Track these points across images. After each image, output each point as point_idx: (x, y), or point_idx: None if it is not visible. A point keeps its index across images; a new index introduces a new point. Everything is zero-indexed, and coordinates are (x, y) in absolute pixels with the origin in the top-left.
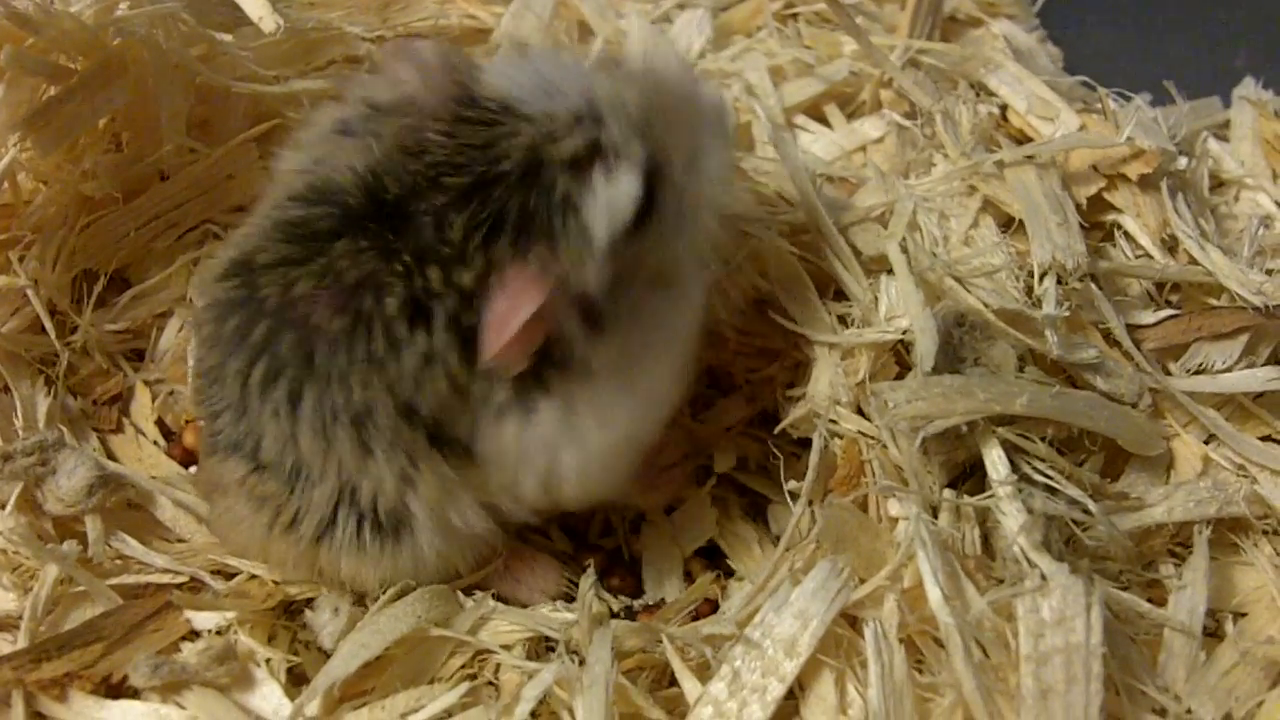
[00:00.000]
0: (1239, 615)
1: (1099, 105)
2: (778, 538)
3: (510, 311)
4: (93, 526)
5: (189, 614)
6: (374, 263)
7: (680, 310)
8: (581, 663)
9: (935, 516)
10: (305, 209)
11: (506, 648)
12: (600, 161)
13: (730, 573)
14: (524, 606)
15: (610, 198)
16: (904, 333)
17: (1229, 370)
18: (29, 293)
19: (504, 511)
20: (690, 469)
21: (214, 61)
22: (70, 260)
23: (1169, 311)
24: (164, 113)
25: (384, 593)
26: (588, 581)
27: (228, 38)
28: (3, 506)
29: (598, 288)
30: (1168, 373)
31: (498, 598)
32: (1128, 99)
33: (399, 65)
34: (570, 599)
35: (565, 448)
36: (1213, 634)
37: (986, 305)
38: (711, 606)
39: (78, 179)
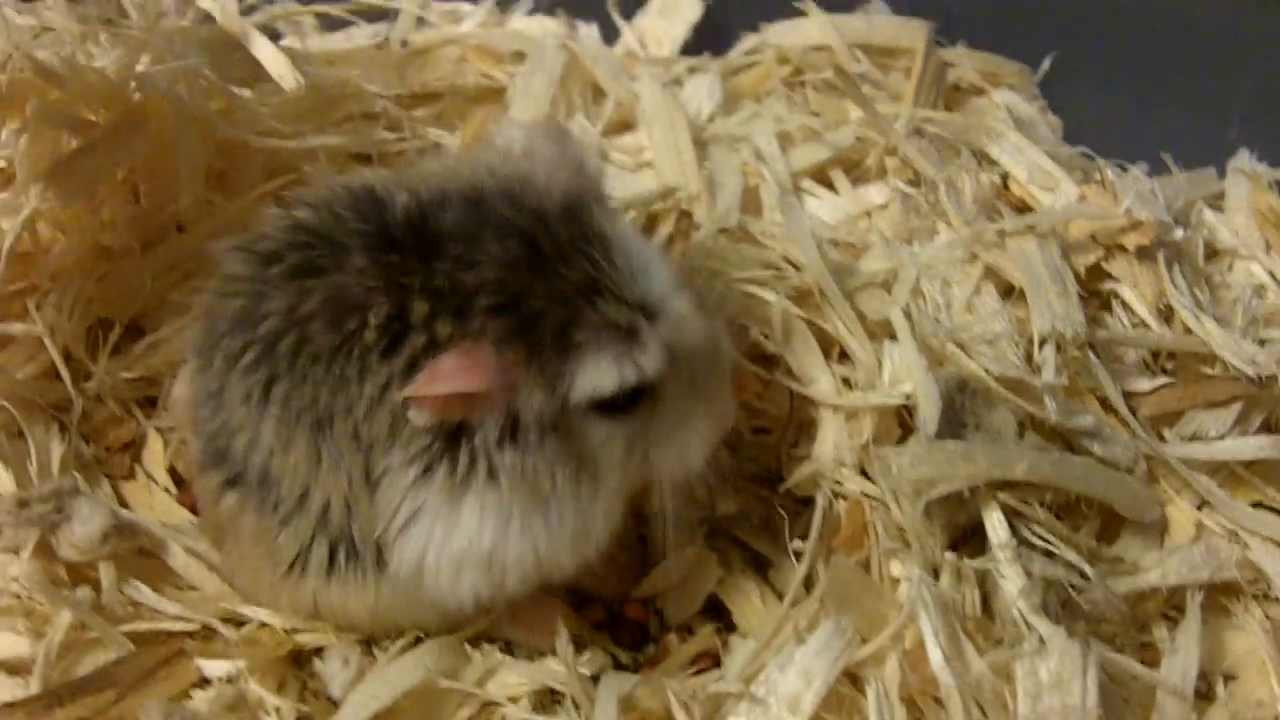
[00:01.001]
0: (1230, 678)
1: (1098, 175)
2: (779, 593)
3: (458, 372)
4: (106, 573)
5: (200, 662)
6: (379, 281)
7: (582, 502)
8: (587, 716)
9: (936, 578)
10: (341, 215)
11: (514, 700)
12: (625, 344)
13: (731, 627)
14: (536, 650)
15: (603, 374)
16: (907, 397)
17: (1222, 438)
18: (45, 340)
19: None
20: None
21: (233, 116)
22: (87, 309)
23: (1164, 380)
24: (183, 166)
25: (393, 643)
26: (568, 647)
27: (247, 93)
28: (17, 553)
29: (532, 423)
30: (1162, 439)
31: (507, 645)
32: (1125, 169)
33: (549, 144)
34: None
35: (439, 529)
36: (1204, 696)
37: (988, 372)
38: (713, 660)
39: (96, 229)
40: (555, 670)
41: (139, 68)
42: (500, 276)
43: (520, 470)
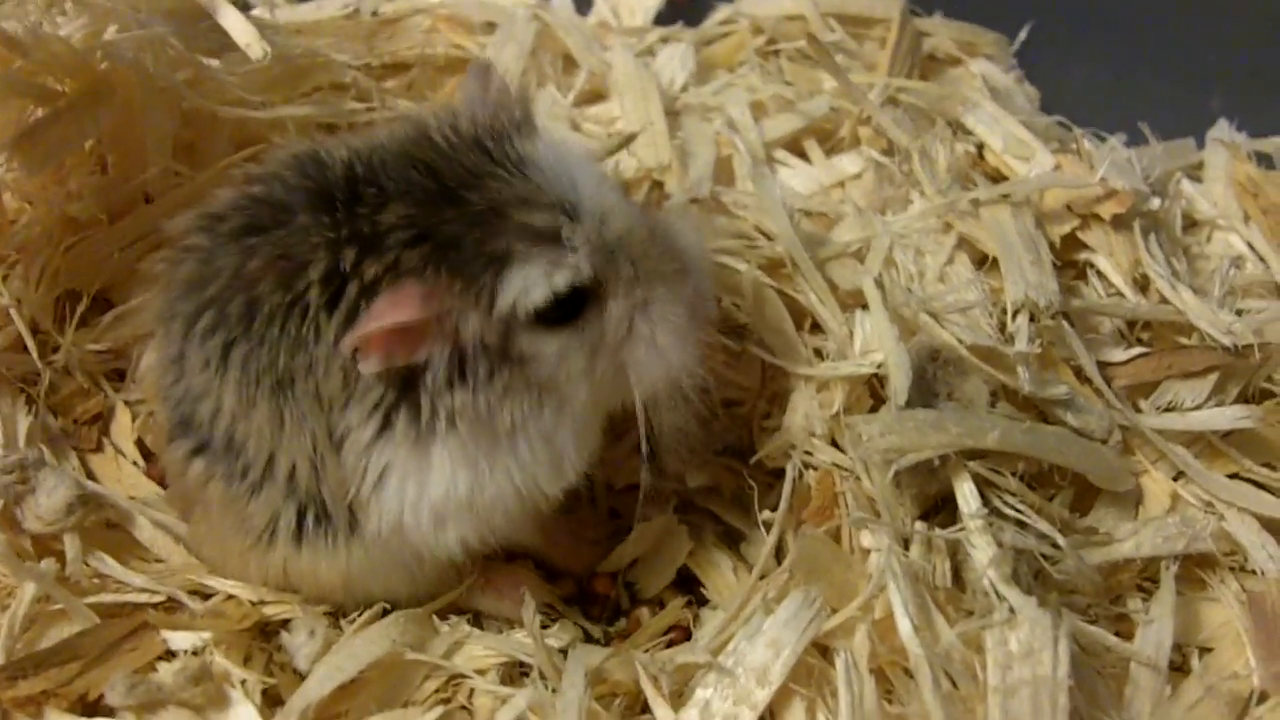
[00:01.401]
0: (1205, 650)
1: (1075, 145)
2: (751, 566)
3: (388, 308)
4: (71, 545)
5: (165, 634)
6: (320, 238)
7: (546, 427)
8: (555, 689)
9: (907, 549)
10: (286, 179)
11: (481, 672)
12: (549, 249)
13: (703, 600)
14: (505, 620)
15: (530, 281)
16: (878, 367)
17: (1198, 408)
18: (12, 312)
19: None
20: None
21: (200, 86)
22: (54, 280)
23: (1140, 350)
24: (150, 136)
25: (359, 615)
26: (534, 619)
27: (215, 63)
28: None
29: (476, 347)
30: (1138, 410)
31: (477, 615)
32: (1103, 139)
33: (474, 82)
34: (551, 618)
35: (410, 483)
36: (1179, 668)
37: (960, 341)
38: (684, 634)
39: (63, 200)
40: (523, 643)
41: (105, 37)
42: (409, 211)
43: (478, 409)
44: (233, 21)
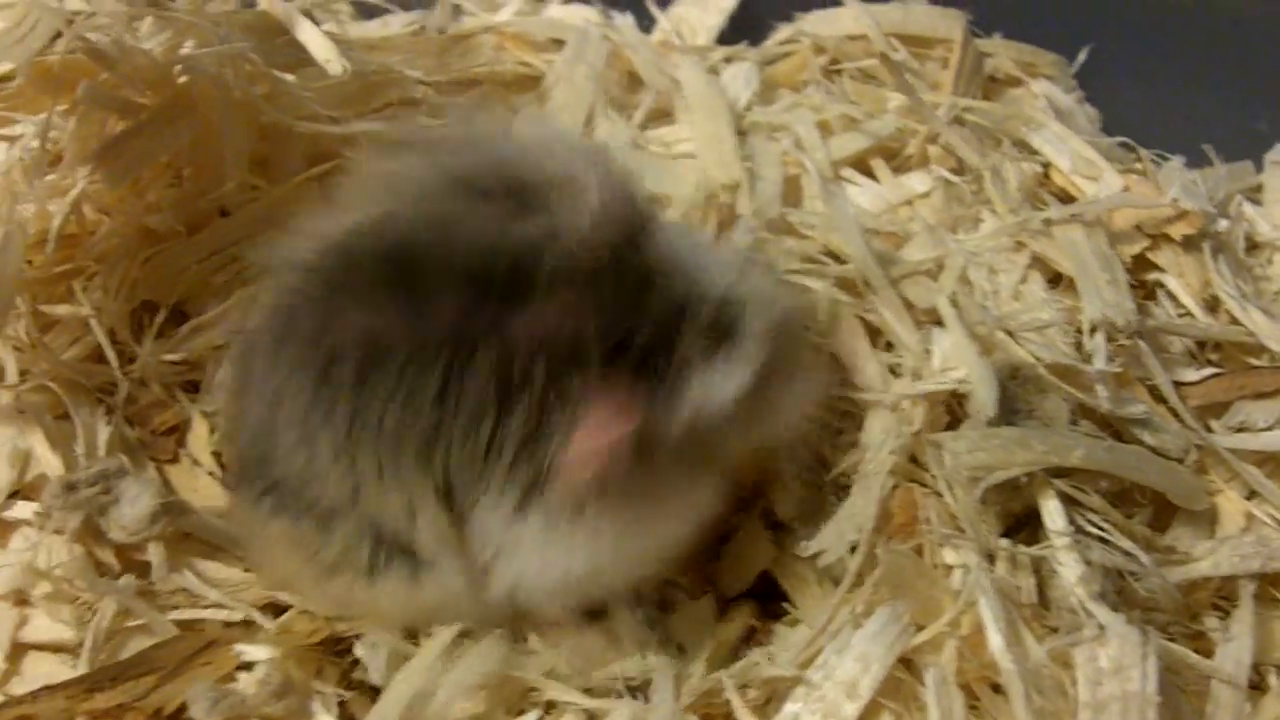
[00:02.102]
0: None
1: (1137, 165)
2: (831, 579)
3: (601, 431)
4: (155, 554)
5: (240, 647)
6: (478, 324)
7: (698, 488)
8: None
9: (992, 565)
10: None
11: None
12: (728, 346)
13: (775, 615)
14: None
15: (721, 381)
16: (959, 383)
17: (1270, 429)
18: (92, 322)
19: None
20: None
21: (277, 101)
22: (132, 291)
23: (1211, 370)
24: (228, 150)
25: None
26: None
27: (290, 78)
28: (60, 534)
29: (658, 444)
30: (1210, 430)
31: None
32: (1163, 159)
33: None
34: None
35: (534, 554)
36: (1255, 687)
37: (1038, 359)
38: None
39: (141, 212)
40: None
41: (184, 51)
42: (606, 314)
43: (639, 487)
44: (311, 37)
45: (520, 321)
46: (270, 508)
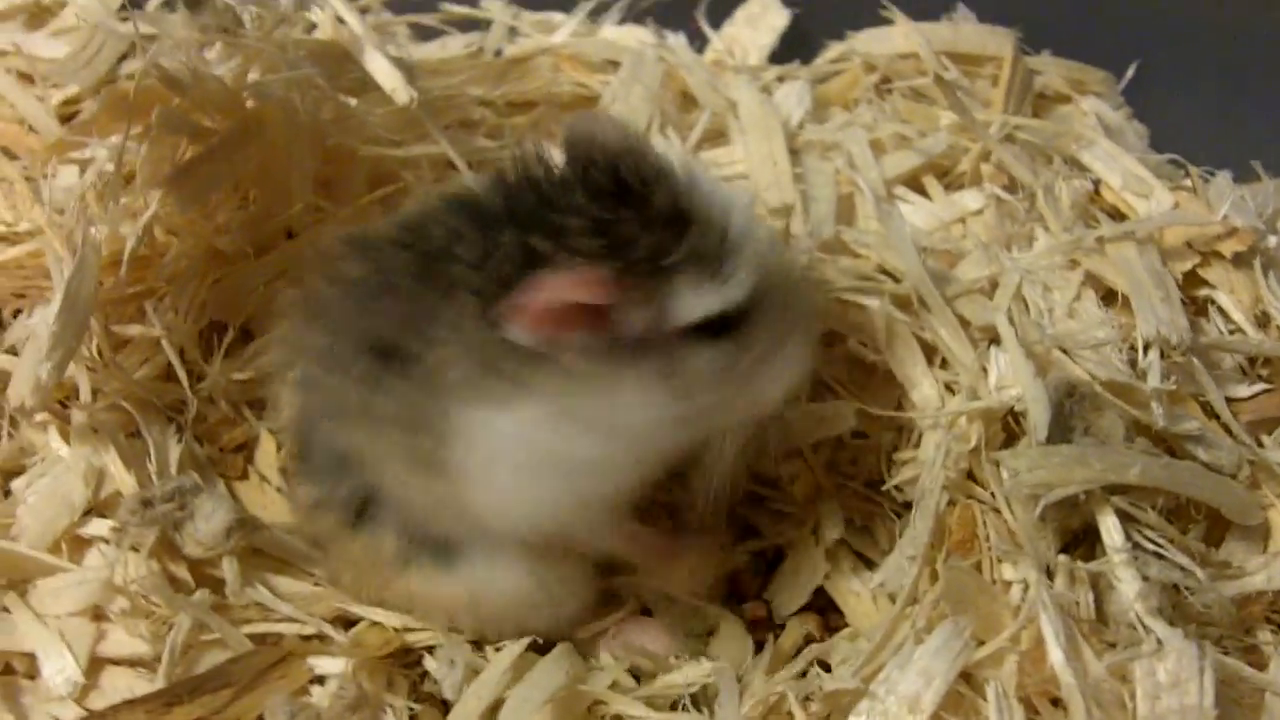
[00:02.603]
0: None
1: (1186, 181)
2: (887, 595)
3: (564, 285)
4: (230, 569)
5: (312, 660)
6: (468, 231)
7: (657, 415)
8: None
9: (1051, 581)
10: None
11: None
12: (716, 271)
13: (831, 629)
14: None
15: (699, 298)
16: (1016, 401)
17: None
18: (163, 342)
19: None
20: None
21: (342, 124)
22: (200, 312)
23: (1262, 385)
24: (295, 173)
25: (498, 645)
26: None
27: (354, 102)
28: (136, 550)
29: (626, 340)
30: (1261, 445)
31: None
32: (1211, 175)
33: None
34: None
35: (514, 440)
36: None
37: (1094, 377)
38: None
39: (210, 234)
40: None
41: (252, 76)
42: (590, 203)
43: (612, 380)
44: (378, 65)
45: (499, 219)
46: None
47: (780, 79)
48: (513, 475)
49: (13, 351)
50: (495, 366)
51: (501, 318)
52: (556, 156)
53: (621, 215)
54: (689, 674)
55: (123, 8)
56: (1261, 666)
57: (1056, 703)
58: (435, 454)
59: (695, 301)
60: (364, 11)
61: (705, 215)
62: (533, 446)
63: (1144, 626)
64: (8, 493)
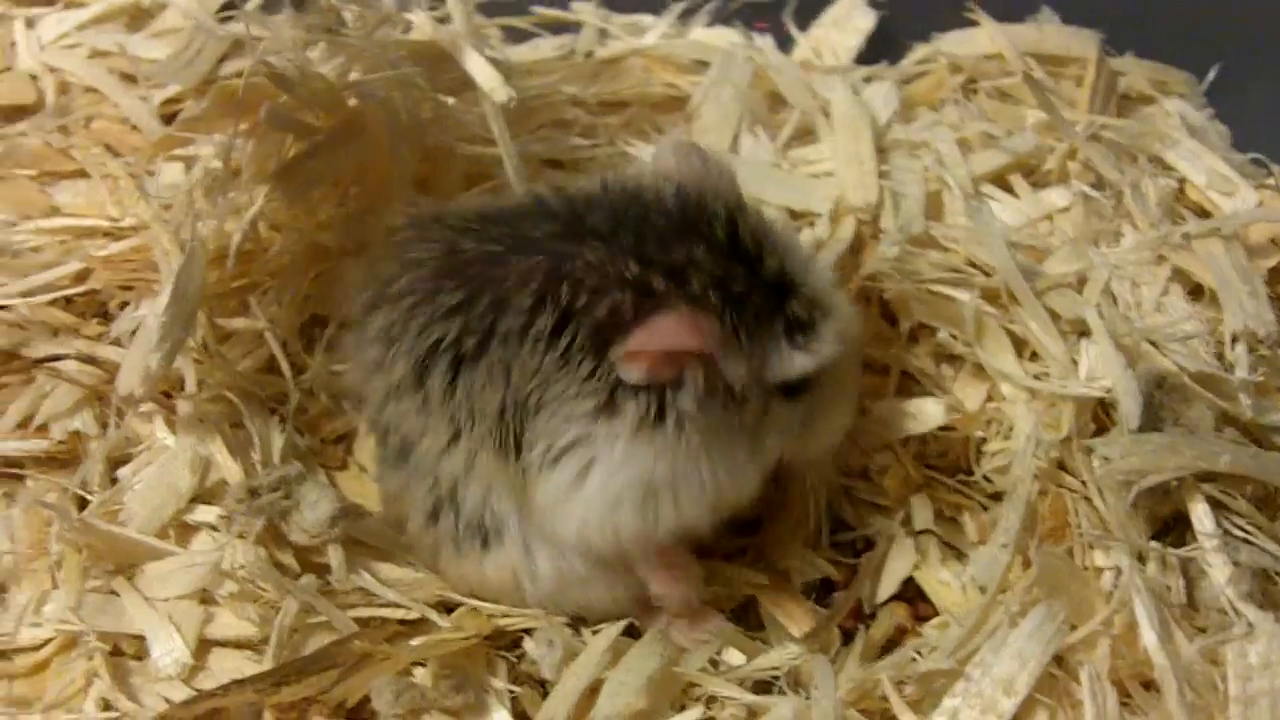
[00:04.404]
0: None
1: (1268, 180)
2: (979, 587)
3: (679, 329)
4: (335, 556)
5: (415, 642)
6: (568, 247)
7: (741, 463)
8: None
9: (1143, 567)
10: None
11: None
12: (811, 338)
13: (921, 619)
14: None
15: (797, 359)
16: (1107, 391)
17: None
18: (267, 334)
19: None
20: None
21: (441, 123)
22: (302, 305)
23: None
24: (395, 171)
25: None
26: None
27: (452, 101)
28: (243, 537)
29: (726, 387)
30: None
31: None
32: None
33: (674, 157)
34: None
35: (597, 467)
36: None
37: (1183, 369)
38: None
39: (313, 229)
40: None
41: (353, 75)
42: (709, 257)
43: (704, 428)
44: (477, 66)
45: (615, 243)
46: (398, 486)
47: (867, 80)
48: (595, 500)
49: (118, 343)
50: (596, 392)
51: (618, 354)
52: (654, 179)
53: (734, 273)
54: (780, 656)
55: (224, 8)
56: None
57: (1149, 686)
58: (511, 458)
59: (791, 364)
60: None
61: (805, 282)
62: (621, 476)
63: (1235, 611)
64: (114, 480)
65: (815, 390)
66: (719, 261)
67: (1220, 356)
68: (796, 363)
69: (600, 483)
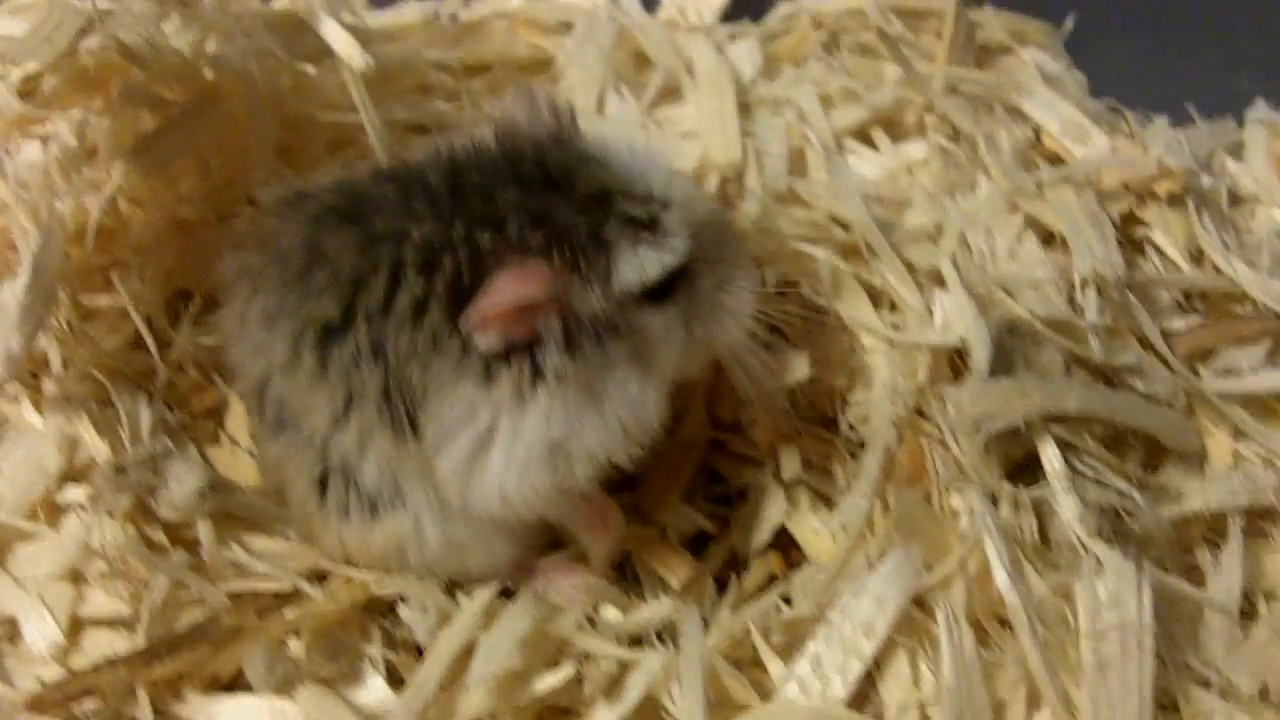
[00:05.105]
0: (1270, 597)
1: (1124, 127)
2: (846, 530)
3: (511, 286)
4: (204, 531)
5: (287, 612)
6: (410, 215)
7: (645, 390)
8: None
9: (996, 508)
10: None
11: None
12: (652, 233)
13: (793, 565)
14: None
15: (644, 260)
16: (961, 339)
17: (1255, 372)
18: (130, 311)
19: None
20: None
21: (300, 92)
22: (166, 281)
23: (1198, 319)
24: (255, 142)
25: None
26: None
27: (311, 69)
28: (112, 515)
29: (586, 322)
30: (1197, 375)
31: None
32: (1148, 120)
33: (516, 107)
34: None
35: (505, 423)
36: (1246, 614)
37: (1034, 314)
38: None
39: (173, 203)
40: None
41: (209, 47)
42: (523, 197)
43: (580, 376)
44: (334, 34)
45: (447, 207)
46: (279, 452)
47: (732, 37)
48: (505, 470)
49: None
50: (470, 367)
51: (466, 328)
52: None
53: (552, 204)
54: (654, 611)
55: None
56: (1200, 584)
57: (1004, 623)
58: (408, 437)
59: (637, 268)
60: None
61: (629, 187)
62: (521, 442)
63: (1084, 548)
64: None
65: (691, 283)
66: (534, 198)
67: (1071, 301)
68: (649, 263)
69: (504, 453)
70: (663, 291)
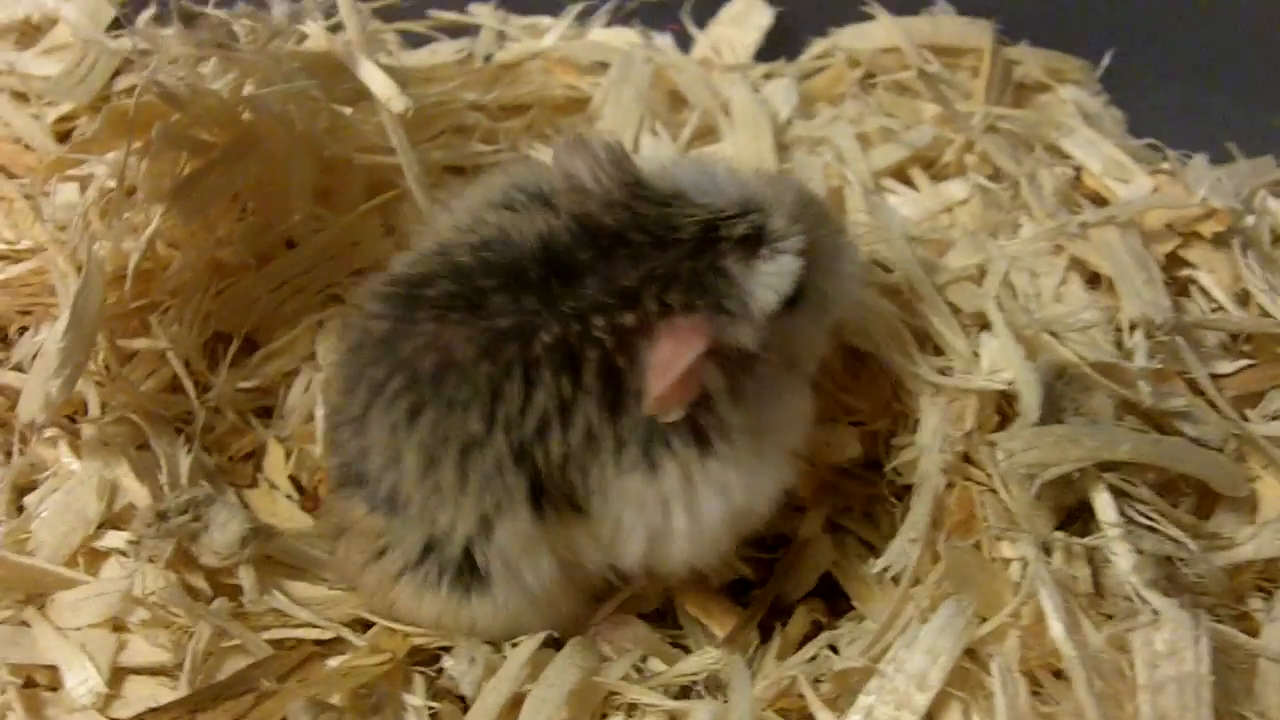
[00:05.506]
0: None
1: (1164, 165)
2: (891, 578)
3: (675, 355)
4: (247, 577)
5: (331, 662)
6: (532, 312)
7: (802, 394)
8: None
9: (1049, 557)
10: (472, 257)
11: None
12: (766, 244)
13: (838, 613)
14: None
15: (774, 273)
16: (1009, 384)
17: None
18: (169, 354)
19: (587, 572)
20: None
21: (338, 134)
22: (205, 324)
23: (1245, 361)
24: (293, 184)
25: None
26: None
27: (349, 111)
28: (153, 561)
29: (744, 358)
30: (1245, 419)
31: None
32: (1188, 158)
33: (571, 159)
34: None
35: (680, 511)
36: None
37: (1082, 358)
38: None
39: (212, 246)
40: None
41: (247, 89)
42: (639, 264)
43: (751, 414)
44: (372, 76)
45: (566, 294)
46: (363, 512)
47: (767, 76)
48: (691, 536)
49: (19, 369)
50: (629, 459)
51: (649, 410)
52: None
53: (668, 257)
54: (700, 662)
55: (115, 24)
56: (1253, 633)
57: (1059, 675)
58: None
59: (769, 284)
60: None
61: (723, 209)
62: (704, 511)
63: (1140, 598)
64: (20, 509)
65: (811, 266)
66: (650, 261)
67: (1119, 344)
68: (779, 276)
69: (687, 523)
70: (797, 293)
